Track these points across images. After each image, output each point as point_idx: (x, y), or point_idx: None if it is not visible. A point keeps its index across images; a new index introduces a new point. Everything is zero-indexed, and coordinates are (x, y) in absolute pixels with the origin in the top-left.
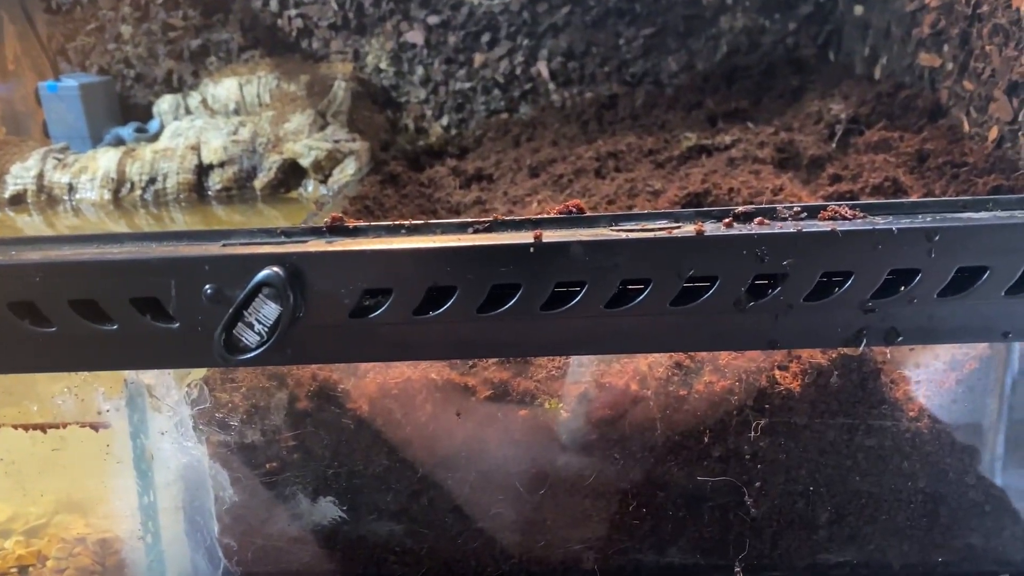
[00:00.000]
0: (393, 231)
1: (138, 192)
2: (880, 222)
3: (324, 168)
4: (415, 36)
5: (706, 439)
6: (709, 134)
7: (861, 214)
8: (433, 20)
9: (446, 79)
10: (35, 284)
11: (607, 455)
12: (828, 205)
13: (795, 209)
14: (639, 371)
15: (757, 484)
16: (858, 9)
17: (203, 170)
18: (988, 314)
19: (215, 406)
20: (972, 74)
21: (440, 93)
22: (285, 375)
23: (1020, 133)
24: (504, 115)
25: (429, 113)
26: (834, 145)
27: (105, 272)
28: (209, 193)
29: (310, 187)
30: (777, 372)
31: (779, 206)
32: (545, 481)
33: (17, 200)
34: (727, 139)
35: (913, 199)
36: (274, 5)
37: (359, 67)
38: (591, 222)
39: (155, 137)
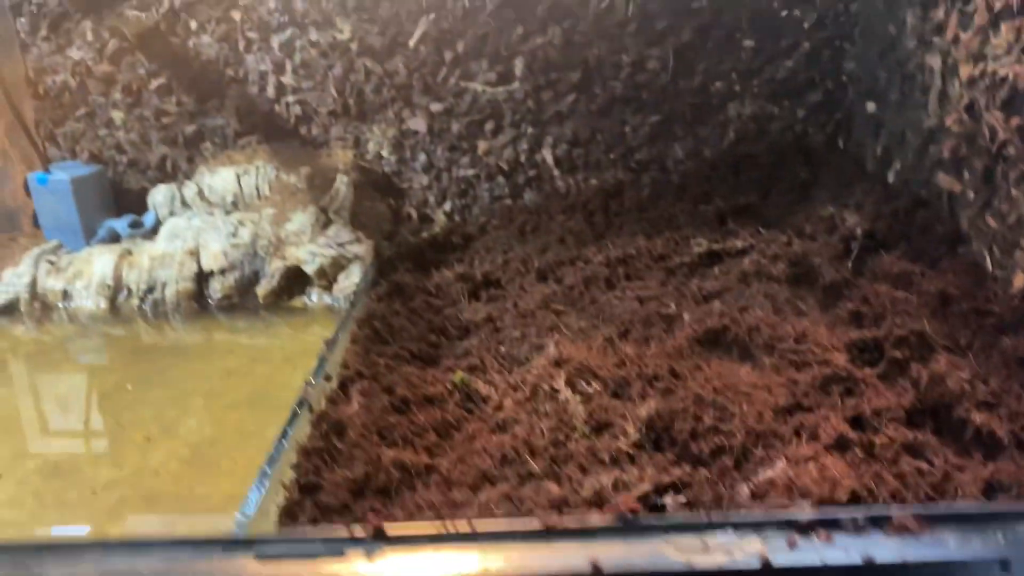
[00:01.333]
0: (436, 539)
1: (135, 301)
2: (951, 544)
3: (329, 275)
4: (417, 123)
5: None
6: (719, 237)
7: (926, 524)
8: (436, 107)
9: (449, 166)
10: None
11: None
12: (892, 515)
13: (859, 521)
14: None
15: None
16: (870, 106)
17: (203, 276)
18: None
19: None
20: (996, 213)
21: (443, 179)
22: None
23: None
24: (508, 201)
25: (432, 199)
26: (850, 264)
27: None
28: (210, 301)
29: (314, 296)
30: None
31: (844, 516)
32: None
33: (9, 309)
34: (738, 244)
35: (980, 504)
36: (271, 91)
37: (360, 154)
38: (647, 532)
39: (152, 232)
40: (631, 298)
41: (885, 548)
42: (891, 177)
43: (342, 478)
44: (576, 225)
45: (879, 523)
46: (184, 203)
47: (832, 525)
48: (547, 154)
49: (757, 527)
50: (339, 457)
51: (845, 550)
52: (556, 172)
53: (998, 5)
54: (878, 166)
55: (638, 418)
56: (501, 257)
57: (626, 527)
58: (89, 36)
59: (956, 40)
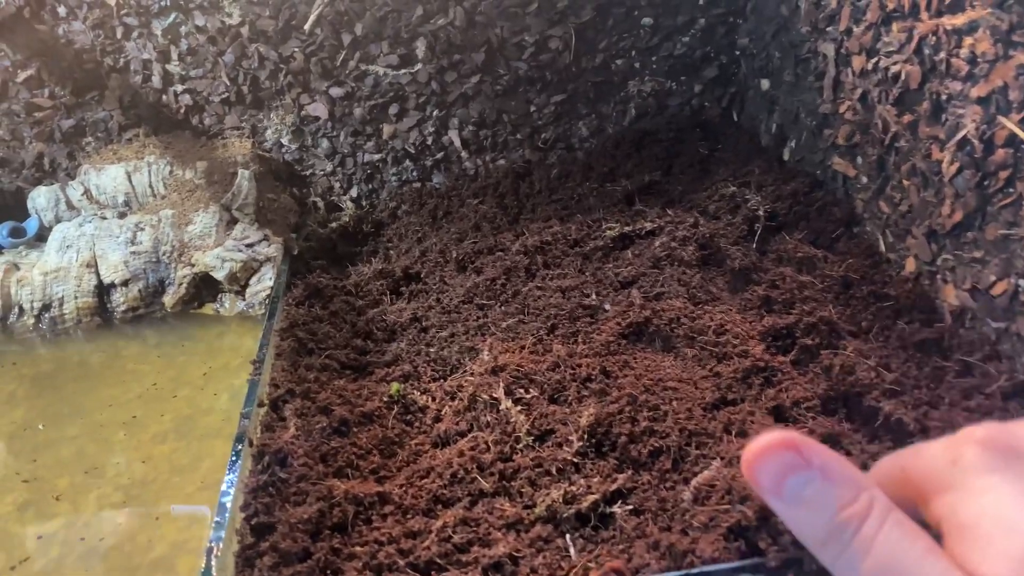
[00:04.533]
0: None
1: (30, 320)
2: None
3: (240, 279)
4: (318, 109)
5: None
6: (629, 218)
7: None
8: (336, 92)
9: (353, 151)
10: None
11: None
12: None
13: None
14: None
15: None
16: (764, 83)
17: (104, 287)
18: None
19: None
20: (888, 199)
21: (348, 165)
22: None
23: (938, 276)
24: (417, 185)
25: (338, 186)
26: (755, 245)
27: None
28: (114, 315)
29: (226, 302)
30: None
31: (806, 557)
32: None
33: None
34: (647, 225)
35: None
36: (157, 81)
37: (258, 143)
38: None
39: (37, 239)
40: (553, 289)
41: None
42: (786, 154)
43: (297, 518)
44: (489, 209)
45: None
46: (70, 206)
47: (796, 567)
48: (454, 136)
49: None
50: (287, 492)
51: None
52: (464, 154)
53: (890, 5)
54: (772, 142)
55: (579, 425)
56: (417, 248)
57: None
58: None
59: (849, 32)
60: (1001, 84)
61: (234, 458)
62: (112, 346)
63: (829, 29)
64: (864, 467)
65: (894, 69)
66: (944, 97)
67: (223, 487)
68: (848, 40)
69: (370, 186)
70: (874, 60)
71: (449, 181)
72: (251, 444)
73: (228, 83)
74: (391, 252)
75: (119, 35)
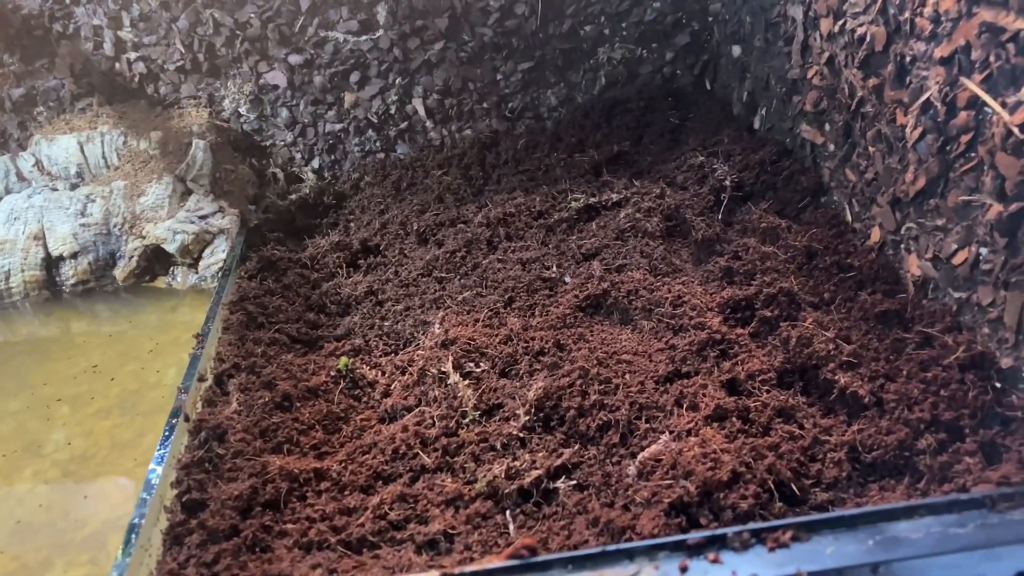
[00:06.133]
0: None
1: None
2: (828, 552)
3: (192, 251)
4: (276, 77)
5: None
6: (595, 189)
7: (806, 536)
8: (295, 60)
9: (314, 121)
10: None
11: None
12: (776, 529)
13: (745, 536)
14: None
15: None
16: (736, 50)
17: (52, 260)
18: None
19: None
20: (855, 167)
21: (309, 135)
22: None
23: (902, 245)
24: (380, 155)
25: (298, 157)
26: (720, 216)
27: None
28: (63, 288)
29: (179, 275)
30: None
31: (729, 532)
32: None
33: None
34: (614, 196)
35: (852, 511)
36: (109, 48)
37: (215, 112)
38: (547, 569)
39: None
40: (514, 261)
41: (769, 564)
42: (756, 123)
43: (228, 495)
44: (453, 180)
45: (761, 537)
46: (20, 177)
47: (720, 544)
48: (418, 105)
49: (651, 553)
50: (222, 468)
51: (733, 571)
52: (429, 123)
53: None
54: (744, 110)
55: (527, 400)
56: (378, 220)
57: (525, 567)
58: None
59: None
60: (964, 43)
61: (167, 433)
62: (61, 320)
63: None
64: (816, 443)
65: (860, 31)
66: (908, 59)
67: (152, 463)
68: (816, 2)
69: (332, 157)
70: (841, 22)
71: (414, 151)
72: (187, 419)
73: (183, 50)
74: (352, 224)
75: (68, 0)
